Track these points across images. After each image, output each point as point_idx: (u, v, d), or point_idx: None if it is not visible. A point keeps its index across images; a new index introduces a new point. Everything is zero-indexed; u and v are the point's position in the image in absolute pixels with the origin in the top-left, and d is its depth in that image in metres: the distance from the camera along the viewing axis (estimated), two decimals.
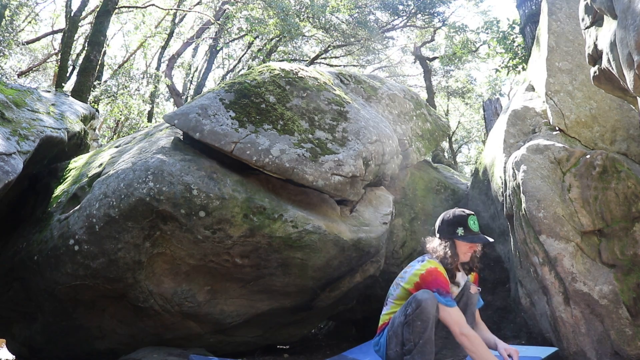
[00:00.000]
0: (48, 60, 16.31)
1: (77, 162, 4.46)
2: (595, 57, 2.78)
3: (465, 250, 2.79)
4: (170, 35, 15.34)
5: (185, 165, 3.39)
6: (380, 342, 2.82)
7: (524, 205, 3.33)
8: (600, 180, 3.32)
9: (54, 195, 4.05)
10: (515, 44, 10.32)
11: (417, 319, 2.54)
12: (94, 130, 6.61)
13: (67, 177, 4.20)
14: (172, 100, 15.52)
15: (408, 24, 15.61)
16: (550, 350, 3.19)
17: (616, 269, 3.08)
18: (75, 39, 12.48)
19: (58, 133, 4.48)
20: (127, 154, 3.77)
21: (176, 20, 15.40)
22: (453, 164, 15.54)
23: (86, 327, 3.73)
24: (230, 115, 3.70)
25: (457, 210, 2.87)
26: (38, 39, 15.57)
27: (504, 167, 3.84)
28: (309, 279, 3.68)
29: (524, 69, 9.72)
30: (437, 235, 2.85)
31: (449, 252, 2.74)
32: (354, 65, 17.72)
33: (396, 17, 14.93)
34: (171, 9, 14.71)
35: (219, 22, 13.32)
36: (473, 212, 2.86)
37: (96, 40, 9.50)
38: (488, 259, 4.87)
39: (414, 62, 17.25)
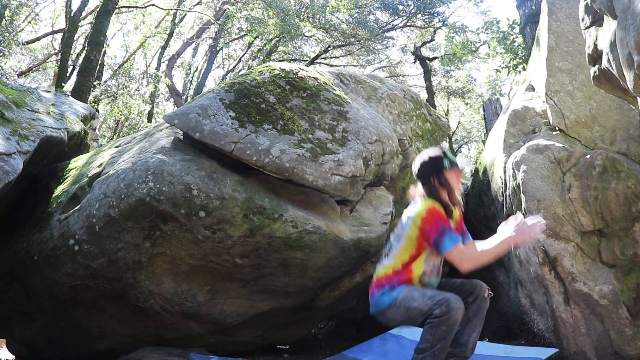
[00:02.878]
0: (48, 60, 16.31)
1: (77, 162, 4.46)
2: (595, 57, 2.78)
3: (455, 181, 2.78)
4: (170, 35, 15.34)
5: (185, 165, 3.39)
6: (381, 300, 2.72)
7: (524, 205, 3.33)
8: (600, 180, 3.32)
9: (54, 195, 4.05)
10: (515, 44, 10.33)
11: (443, 324, 2.47)
12: (94, 130, 6.61)
13: (67, 177, 4.20)
14: (172, 100, 15.53)
15: (408, 24, 15.60)
16: (550, 351, 3.19)
17: (616, 269, 3.08)
18: (75, 39, 12.47)
19: (58, 133, 4.48)
20: (127, 154, 3.77)
21: (176, 20, 15.40)
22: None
23: (86, 327, 3.73)
24: (230, 115, 3.70)
25: (430, 150, 2.87)
26: (38, 39, 15.56)
27: (504, 167, 3.84)
28: (309, 279, 3.68)
29: (524, 69, 9.73)
30: (424, 178, 2.80)
31: (445, 185, 2.74)
32: (354, 65, 17.72)
33: (396, 17, 14.92)
34: (171, 9, 14.71)
35: (219, 22, 13.33)
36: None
37: (96, 40, 9.49)
38: None
39: (414, 62, 17.24)
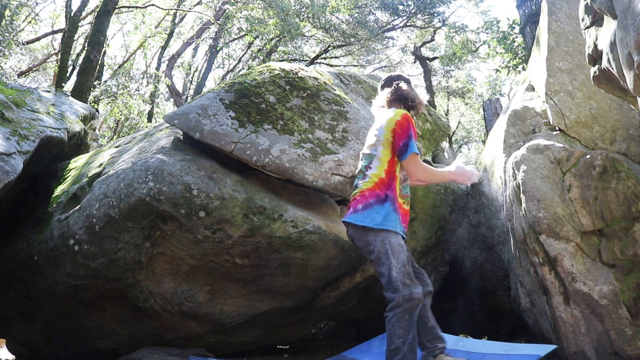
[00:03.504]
0: (48, 60, 16.30)
1: (77, 162, 4.46)
2: (595, 57, 2.78)
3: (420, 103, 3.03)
4: (170, 35, 15.33)
5: (185, 165, 3.39)
6: (372, 217, 2.68)
7: (524, 205, 3.32)
8: (600, 180, 3.32)
9: (54, 195, 4.05)
10: (515, 44, 10.33)
11: (406, 312, 2.51)
12: (94, 130, 6.61)
13: (67, 177, 4.20)
14: (172, 100, 15.52)
15: (408, 24, 15.60)
16: (549, 348, 3.19)
17: (616, 269, 3.08)
18: (75, 39, 12.47)
19: (58, 133, 4.48)
20: (127, 154, 3.77)
21: (176, 20, 15.40)
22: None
23: (86, 327, 3.73)
24: (230, 115, 3.70)
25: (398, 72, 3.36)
26: (38, 39, 15.56)
27: (504, 167, 3.84)
28: (309, 279, 3.68)
29: (524, 69, 9.73)
30: (391, 83, 3.03)
31: (416, 95, 2.98)
32: (354, 65, 17.71)
33: (396, 17, 14.92)
34: (171, 9, 14.70)
35: (219, 22, 13.33)
36: None
37: (96, 40, 9.49)
38: (488, 258, 4.87)
39: (414, 62, 17.24)
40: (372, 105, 3.13)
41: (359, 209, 2.74)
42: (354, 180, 3.80)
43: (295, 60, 15.44)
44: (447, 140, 18.13)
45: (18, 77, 13.90)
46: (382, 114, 2.89)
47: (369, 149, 2.85)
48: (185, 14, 15.53)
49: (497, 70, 11.16)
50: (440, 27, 15.41)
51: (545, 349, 3.16)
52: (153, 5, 13.71)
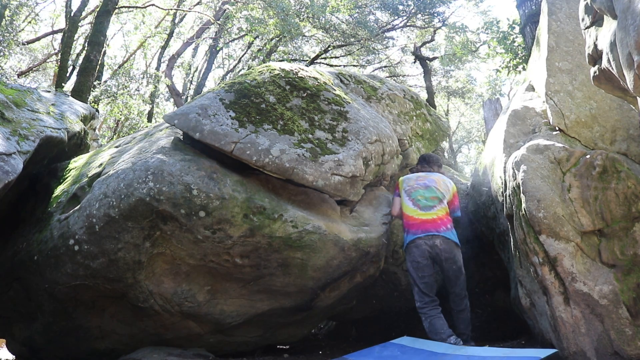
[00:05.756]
0: (48, 60, 16.30)
1: (77, 162, 4.46)
2: (595, 57, 2.78)
3: None
4: (170, 35, 15.35)
5: (185, 165, 3.39)
6: (456, 237, 3.93)
7: (524, 205, 3.32)
8: (600, 180, 3.31)
9: (54, 195, 4.05)
10: (516, 44, 10.34)
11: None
12: (94, 130, 6.61)
13: (67, 177, 4.20)
14: (172, 100, 15.53)
15: (408, 24, 15.60)
16: (549, 351, 3.19)
17: (616, 269, 3.08)
18: (75, 39, 12.48)
19: (58, 133, 4.48)
20: (127, 154, 3.77)
21: (176, 20, 15.41)
22: (453, 164, 15.55)
23: (86, 327, 3.73)
24: (230, 115, 3.70)
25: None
26: (38, 39, 15.57)
27: (504, 167, 3.84)
28: (309, 279, 3.68)
29: (524, 69, 9.73)
30: (440, 167, 4.44)
31: None
32: (354, 65, 17.70)
33: (396, 17, 14.92)
34: (171, 9, 14.71)
35: (219, 22, 13.33)
36: None
37: (96, 40, 9.50)
38: (488, 259, 4.86)
39: (414, 62, 17.23)
40: (435, 169, 4.39)
41: (450, 228, 3.93)
42: (354, 180, 3.80)
43: (295, 60, 15.44)
44: (447, 140, 18.14)
45: (18, 77, 13.90)
46: (443, 177, 4.22)
47: (441, 191, 4.05)
48: (185, 14, 15.54)
49: (497, 70, 11.16)
50: (440, 27, 15.42)
51: (544, 352, 3.17)
52: (153, 5, 13.72)
